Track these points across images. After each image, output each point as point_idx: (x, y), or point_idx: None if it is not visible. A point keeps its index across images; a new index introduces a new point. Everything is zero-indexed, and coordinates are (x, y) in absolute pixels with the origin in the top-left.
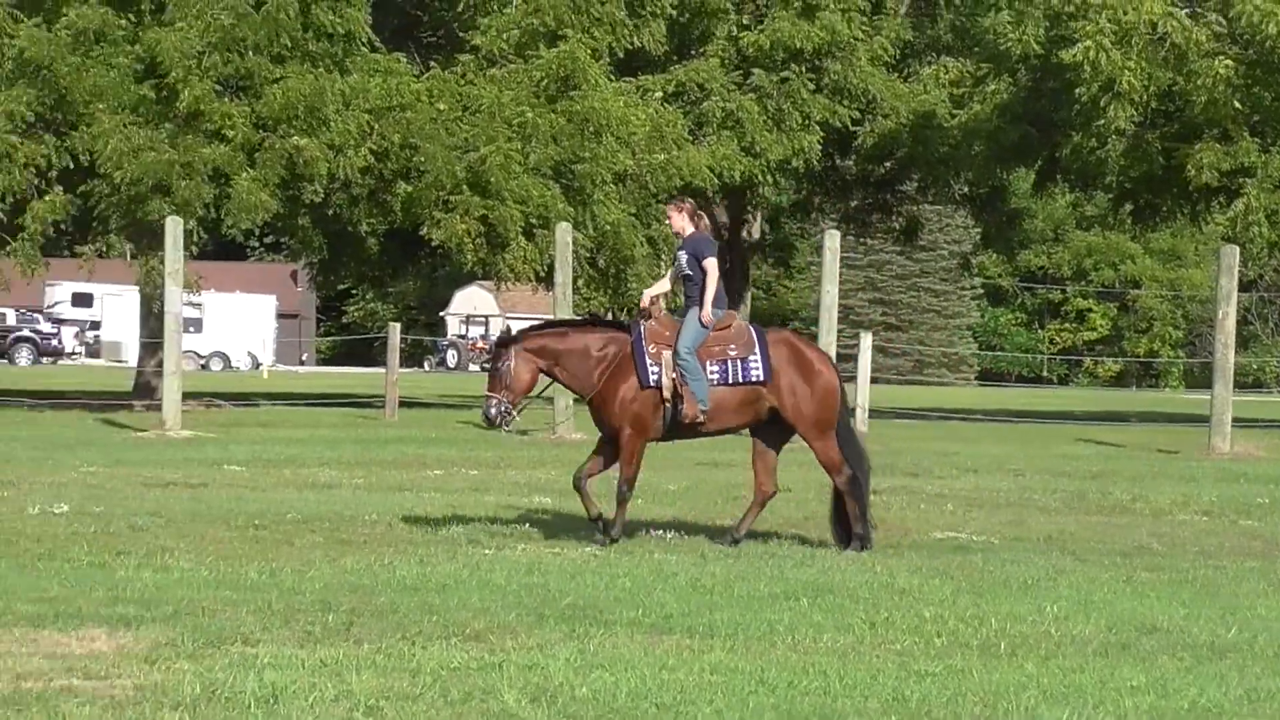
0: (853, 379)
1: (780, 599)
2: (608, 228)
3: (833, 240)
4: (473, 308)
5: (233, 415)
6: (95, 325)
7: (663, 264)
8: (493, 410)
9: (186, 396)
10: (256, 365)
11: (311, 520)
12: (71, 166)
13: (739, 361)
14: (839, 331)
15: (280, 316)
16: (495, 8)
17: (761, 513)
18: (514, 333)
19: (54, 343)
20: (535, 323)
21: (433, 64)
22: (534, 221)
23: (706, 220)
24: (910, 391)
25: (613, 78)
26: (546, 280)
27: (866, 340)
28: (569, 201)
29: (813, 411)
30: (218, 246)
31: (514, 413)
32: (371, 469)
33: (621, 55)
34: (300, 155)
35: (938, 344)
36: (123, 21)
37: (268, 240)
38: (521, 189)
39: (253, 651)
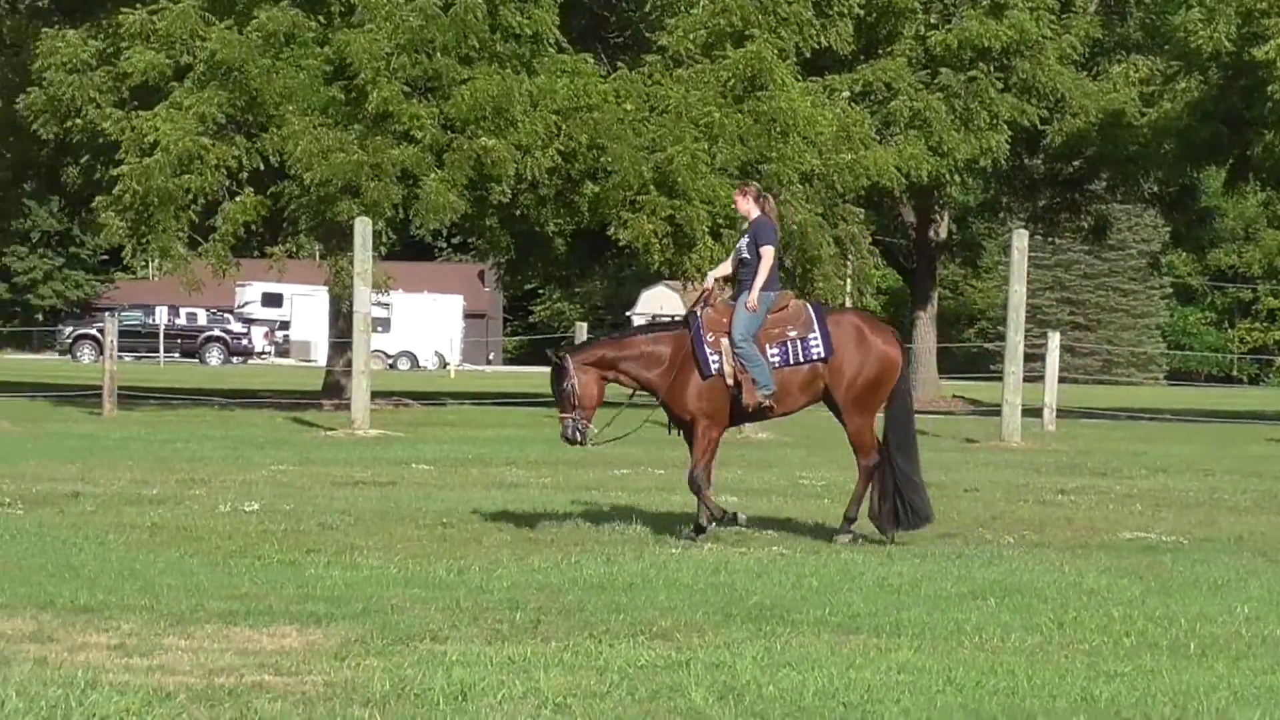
0: (1040, 378)
1: (967, 598)
2: (794, 228)
3: (1020, 240)
4: (659, 308)
5: (420, 414)
6: (285, 325)
7: (849, 263)
8: (569, 431)
9: (375, 396)
10: (443, 365)
11: (499, 519)
12: (262, 168)
13: (799, 341)
14: (1026, 331)
15: (467, 316)
16: (682, 8)
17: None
18: (565, 355)
19: (244, 342)
20: (587, 339)
21: (620, 64)
22: (720, 221)
23: (772, 204)
24: (1098, 391)
25: (799, 77)
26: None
27: (1054, 340)
28: None
29: (860, 389)
30: (406, 247)
31: (590, 427)
32: (558, 468)
33: (808, 55)
34: (488, 156)
35: (1126, 343)
36: (312, 23)
37: (455, 240)
38: (708, 189)
39: (441, 649)
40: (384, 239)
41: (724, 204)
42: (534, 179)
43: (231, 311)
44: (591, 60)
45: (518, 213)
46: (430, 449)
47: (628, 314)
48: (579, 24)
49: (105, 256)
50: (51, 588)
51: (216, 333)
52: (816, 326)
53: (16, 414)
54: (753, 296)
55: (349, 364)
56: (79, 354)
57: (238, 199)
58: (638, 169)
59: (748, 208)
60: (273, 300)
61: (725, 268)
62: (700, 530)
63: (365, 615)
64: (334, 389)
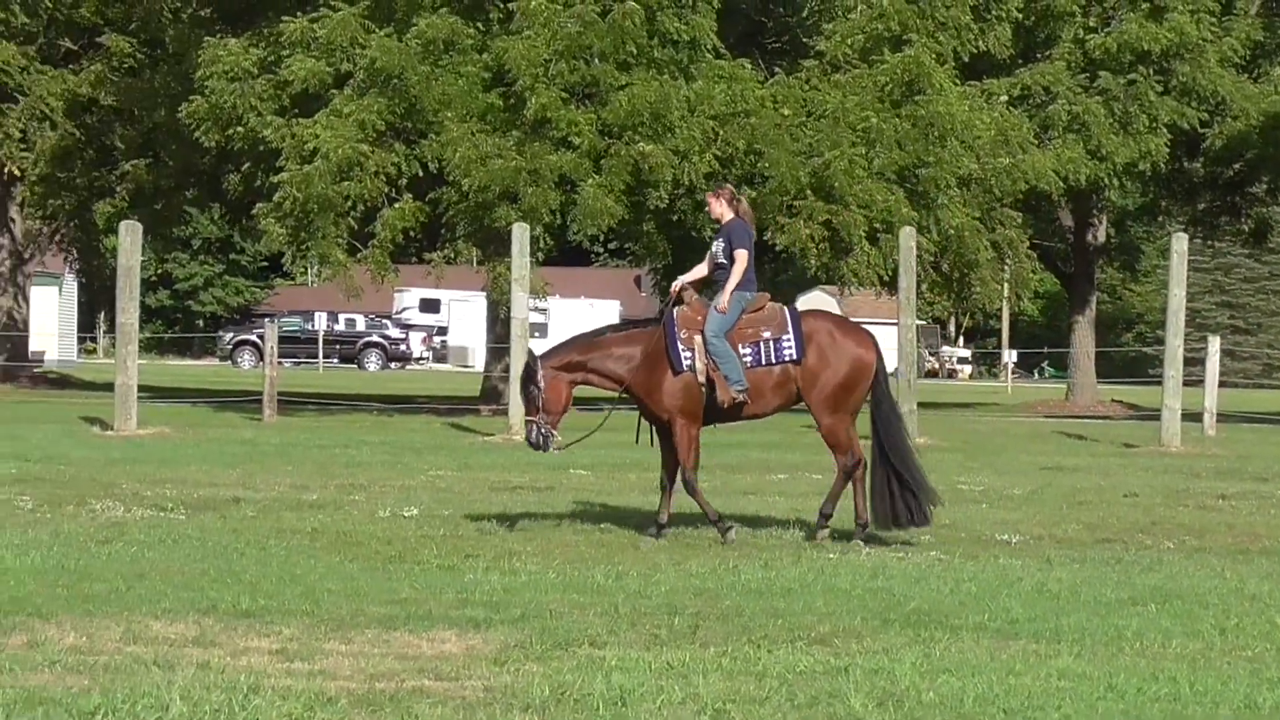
0: (1200, 383)
1: (1127, 604)
2: (952, 232)
3: (1180, 243)
4: None
5: (577, 419)
6: (442, 330)
7: (1007, 268)
8: (533, 435)
9: None
10: None
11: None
12: (421, 174)
13: (772, 342)
14: (1186, 335)
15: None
16: (840, 13)
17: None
18: (537, 358)
19: (402, 348)
20: (556, 344)
21: (777, 70)
22: (878, 226)
23: (746, 206)
24: (1259, 395)
25: (957, 82)
26: (890, 285)
27: (1214, 344)
28: (913, 206)
29: (832, 390)
30: (563, 252)
31: (555, 434)
32: (715, 473)
33: (966, 59)
34: (645, 161)
35: None
36: (471, 30)
37: (612, 246)
38: (865, 194)
39: (600, 654)
40: (541, 244)
41: (881, 209)
42: (691, 184)
43: (390, 317)
44: (749, 66)
45: (675, 218)
46: (587, 454)
47: None
48: (736, 30)
49: (265, 263)
50: (214, 592)
51: (375, 338)
52: (790, 329)
53: (178, 420)
54: (723, 298)
55: (506, 369)
56: (239, 360)
57: (397, 205)
58: (795, 174)
59: (721, 210)
60: (431, 306)
61: (698, 272)
62: (720, 526)
63: (524, 620)
64: (492, 394)
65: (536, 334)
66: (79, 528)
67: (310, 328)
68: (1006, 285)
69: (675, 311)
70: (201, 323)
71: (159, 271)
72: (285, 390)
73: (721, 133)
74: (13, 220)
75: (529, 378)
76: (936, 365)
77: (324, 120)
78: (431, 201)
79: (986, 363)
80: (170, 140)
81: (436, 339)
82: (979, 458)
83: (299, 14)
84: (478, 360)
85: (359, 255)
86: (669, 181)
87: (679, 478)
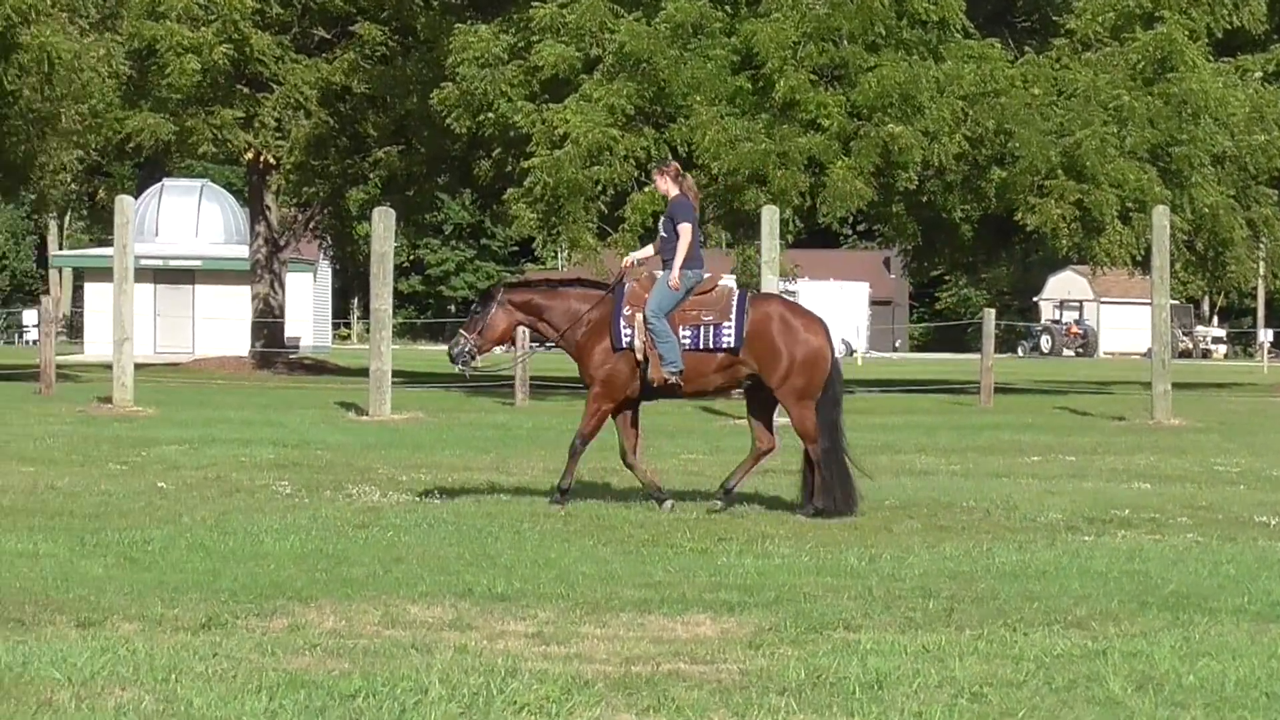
0: None
1: None
2: (1206, 210)
3: None
4: (1066, 293)
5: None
6: None
7: (1262, 246)
8: (457, 348)
9: None
10: (850, 352)
11: (909, 506)
12: (670, 158)
13: (712, 328)
14: None
15: (873, 303)
16: None
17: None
18: (500, 284)
19: None
20: (522, 277)
21: (1027, 49)
22: (1130, 205)
23: (690, 182)
24: None
25: (1210, 58)
26: (1143, 265)
27: None
28: (1166, 185)
29: (791, 378)
30: (812, 234)
31: (477, 357)
32: (967, 455)
33: (1220, 35)
34: (895, 143)
35: None
36: (719, 14)
37: (861, 228)
38: (1117, 173)
39: (855, 637)
40: (791, 227)
41: (1133, 188)
42: (940, 165)
43: None
44: (998, 45)
45: (924, 199)
46: None
47: (1035, 299)
48: (985, 9)
49: (515, 247)
50: (469, 576)
51: None
52: (734, 316)
53: (432, 404)
54: (674, 274)
55: None
56: None
57: (646, 189)
58: (1045, 153)
59: (666, 187)
60: None
61: (646, 252)
62: (562, 494)
63: (778, 603)
64: None
65: None
66: (336, 512)
67: None
68: (1262, 264)
69: (626, 287)
70: (453, 308)
71: (411, 257)
72: (537, 375)
73: (971, 113)
74: (268, 208)
75: (485, 299)
76: (1190, 345)
77: (574, 105)
78: None
79: (1242, 342)
80: (422, 127)
81: None
82: (1236, 439)
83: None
84: None
85: (608, 239)
86: (918, 163)
87: (633, 456)
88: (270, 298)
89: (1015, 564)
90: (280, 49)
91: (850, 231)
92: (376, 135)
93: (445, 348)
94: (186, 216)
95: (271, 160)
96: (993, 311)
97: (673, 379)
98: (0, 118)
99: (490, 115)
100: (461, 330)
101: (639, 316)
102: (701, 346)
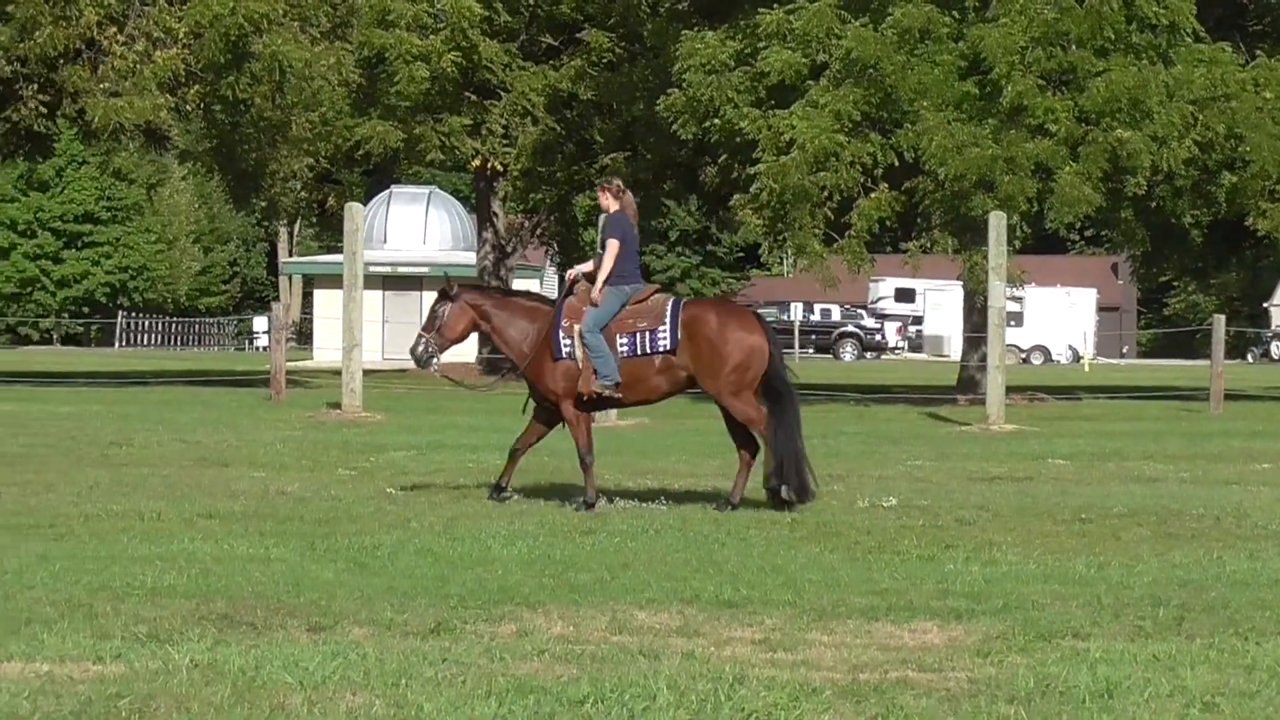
0: None
1: None
2: None
3: None
4: None
5: (1055, 409)
6: (917, 320)
7: None
8: (419, 348)
9: (1009, 390)
10: (1077, 359)
11: (1138, 514)
12: (896, 164)
13: (648, 333)
14: None
15: (1100, 310)
16: None
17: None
18: (459, 288)
19: (877, 338)
20: (488, 284)
21: (1259, 52)
22: None
23: (630, 199)
24: None
25: None
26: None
27: None
28: None
29: (724, 375)
30: (1039, 240)
31: (438, 356)
32: (1197, 462)
33: None
34: (1123, 148)
35: None
36: (947, 19)
37: (1088, 233)
38: None
39: (1084, 645)
40: (1018, 233)
41: None
42: (1170, 170)
43: (865, 307)
44: (1229, 49)
45: (1153, 204)
46: (1066, 444)
47: (1265, 305)
48: (1216, 13)
49: (741, 254)
50: (696, 583)
51: (850, 328)
52: (668, 320)
53: (658, 411)
54: (595, 289)
55: (983, 359)
56: None
57: (873, 195)
58: (1277, 158)
59: (607, 203)
60: (906, 295)
61: (588, 266)
62: (589, 506)
63: (1006, 611)
64: (968, 384)
65: (1013, 323)
66: (563, 518)
67: (786, 318)
68: None
69: (565, 302)
70: None
71: None
72: None
73: (1201, 117)
74: (495, 215)
75: (442, 297)
76: None
77: (800, 111)
78: (907, 191)
79: None
80: (648, 133)
81: (911, 328)
82: None
83: (775, 5)
84: (953, 350)
85: (835, 245)
86: (1147, 168)
87: (523, 450)
88: None
89: (1247, 572)
90: (508, 56)
91: (1078, 237)
92: (603, 142)
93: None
94: (414, 223)
95: (499, 167)
96: (1223, 317)
97: (607, 391)
98: (232, 126)
99: (716, 121)
100: (420, 331)
101: (577, 329)
102: (639, 352)
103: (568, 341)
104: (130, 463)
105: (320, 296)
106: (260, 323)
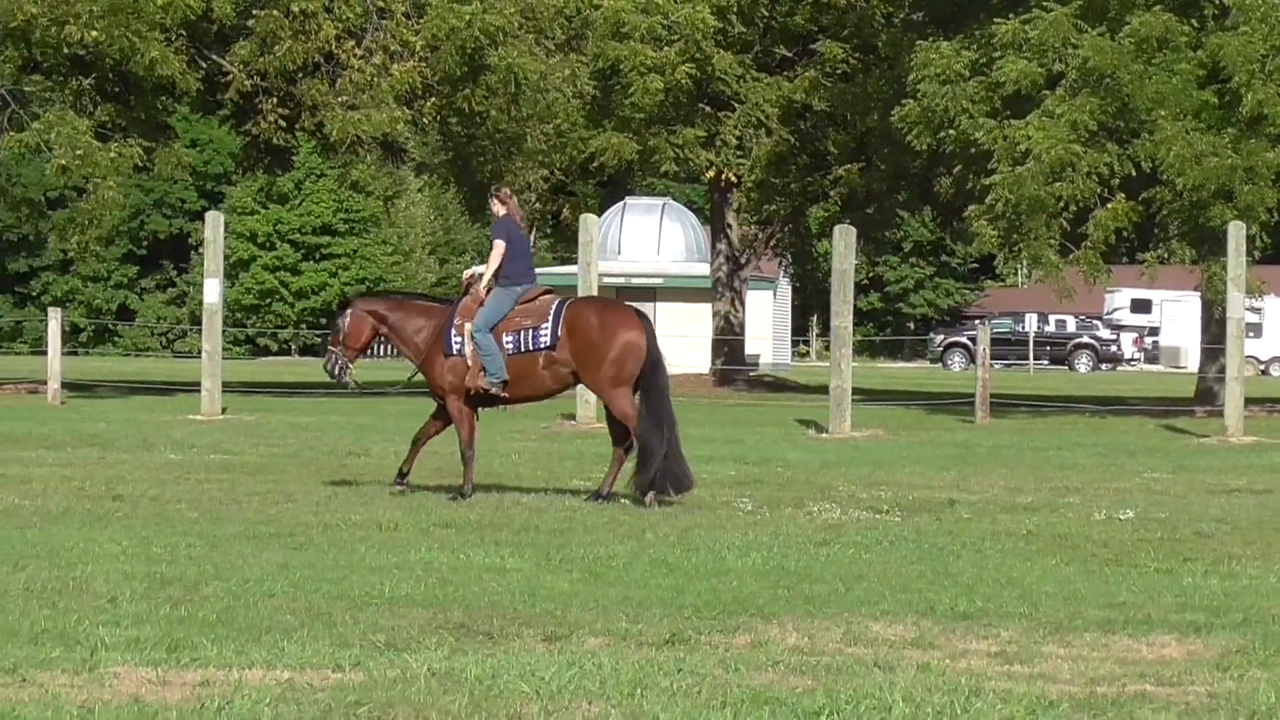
0: None
1: None
2: None
3: None
4: None
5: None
6: (1154, 331)
7: None
8: (329, 364)
9: (1248, 402)
10: (1262, 371)
11: None
12: (1133, 174)
13: (531, 330)
14: None
15: None
16: None
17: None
18: (352, 298)
19: (1112, 349)
20: (384, 289)
21: None
22: None
23: (515, 204)
24: None
25: None
26: None
27: None
28: None
29: (603, 369)
30: (1278, 250)
31: (350, 367)
32: None
33: None
34: None
35: None
36: (1185, 28)
37: None
38: None
39: None
40: (1257, 243)
41: None
42: None
43: (1100, 318)
44: None
45: None
46: None
47: None
48: None
49: (975, 264)
50: (931, 594)
51: (1085, 339)
52: (550, 318)
53: (891, 422)
54: (479, 287)
55: (1221, 370)
56: (950, 362)
57: (1109, 205)
58: None
59: (496, 208)
60: (1142, 306)
61: (481, 266)
62: (401, 476)
63: (1245, 625)
64: (1206, 396)
65: (1251, 334)
66: (797, 529)
67: (1020, 329)
68: None
69: (461, 301)
70: (912, 325)
71: (870, 275)
72: (997, 392)
73: None
74: (729, 226)
75: (340, 309)
76: None
77: (1036, 121)
78: (1144, 201)
79: None
80: (882, 144)
81: (1148, 340)
82: None
83: (1011, 15)
84: (1190, 361)
85: (1070, 256)
86: None
87: (424, 440)
88: (731, 315)
89: None
90: (742, 68)
91: None
92: (837, 153)
93: (908, 364)
94: (648, 234)
95: (733, 178)
96: None
97: (493, 389)
98: (468, 138)
99: (951, 132)
100: (329, 346)
101: (468, 327)
102: (523, 349)
103: (458, 339)
104: (366, 473)
105: None
106: None
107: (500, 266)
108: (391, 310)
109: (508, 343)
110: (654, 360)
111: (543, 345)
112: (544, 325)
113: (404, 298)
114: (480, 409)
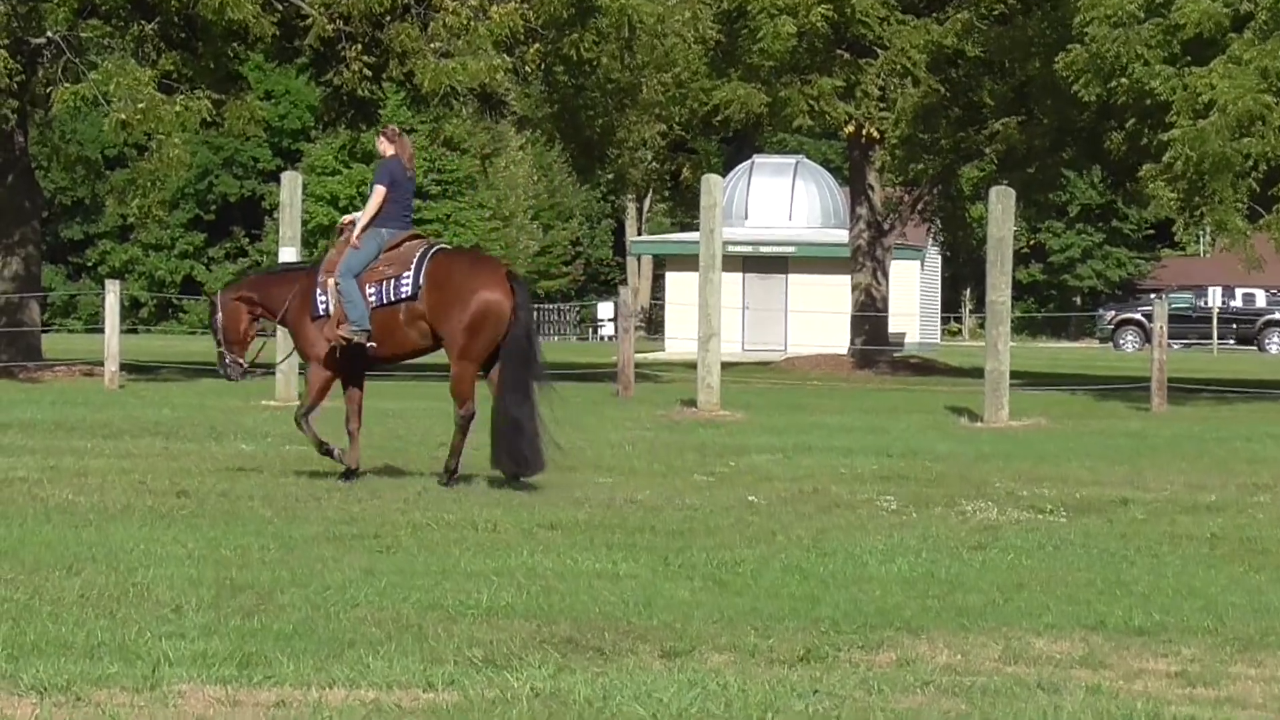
0: None
1: None
2: None
3: None
4: None
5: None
6: None
7: None
8: (221, 367)
9: None
10: None
11: None
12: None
13: (393, 280)
14: None
15: None
16: None
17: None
18: (218, 292)
19: None
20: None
21: None
22: None
23: (406, 143)
24: None
25: None
26: None
27: None
28: None
29: (456, 333)
30: None
31: (241, 363)
32: None
33: None
34: None
35: None
36: None
37: None
38: None
39: None
40: None
41: None
42: None
43: None
44: None
45: None
46: None
47: None
48: None
49: (1151, 231)
50: (1101, 606)
51: (1277, 316)
52: (413, 266)
53: (1055, 409)
54: (355, 232)
55: None
56: (1122, 341)
57: None
58: None
59: (384, 147)
60: None
61: (360, 213)
62: (347, 470)
63: None
64: None
65: None
66: (949, 531)
67: (1202, 305)
68: None
69: (326, 256)
70: (1078, 299)
71: (1030, 243)
72: (1175, 376)
73: None
74: (870, 188)
75: (211, 311)
76: None
77: (1220, 68)
78: None
79: None
80: (1044, 95)
81: None
82: None
83: None
84: None
85: (1260, 221)
86: None
87: (299, 414)
88: (872, 288)
89: None
90: (885, 9)
91: None
92: (993, 105)
93: (1074, 344)
94: (779, 197)
95: (875, 134)
96: None
97: (357, 338)
98: (576, 89)
99: (1123, 81)
100: (218, 350)
101: (331, 281)
102: (386, 300)
103: (323, 297)
104: (462, 466)
105: (673, 280)
106: (605, 309)
107: (379, 211)
108: (257, 288)
109: (371, 294)
110: (523, 331)
111: (404, 296)
112: (406, 274)
113: (266, 272)
114: (354, 377)
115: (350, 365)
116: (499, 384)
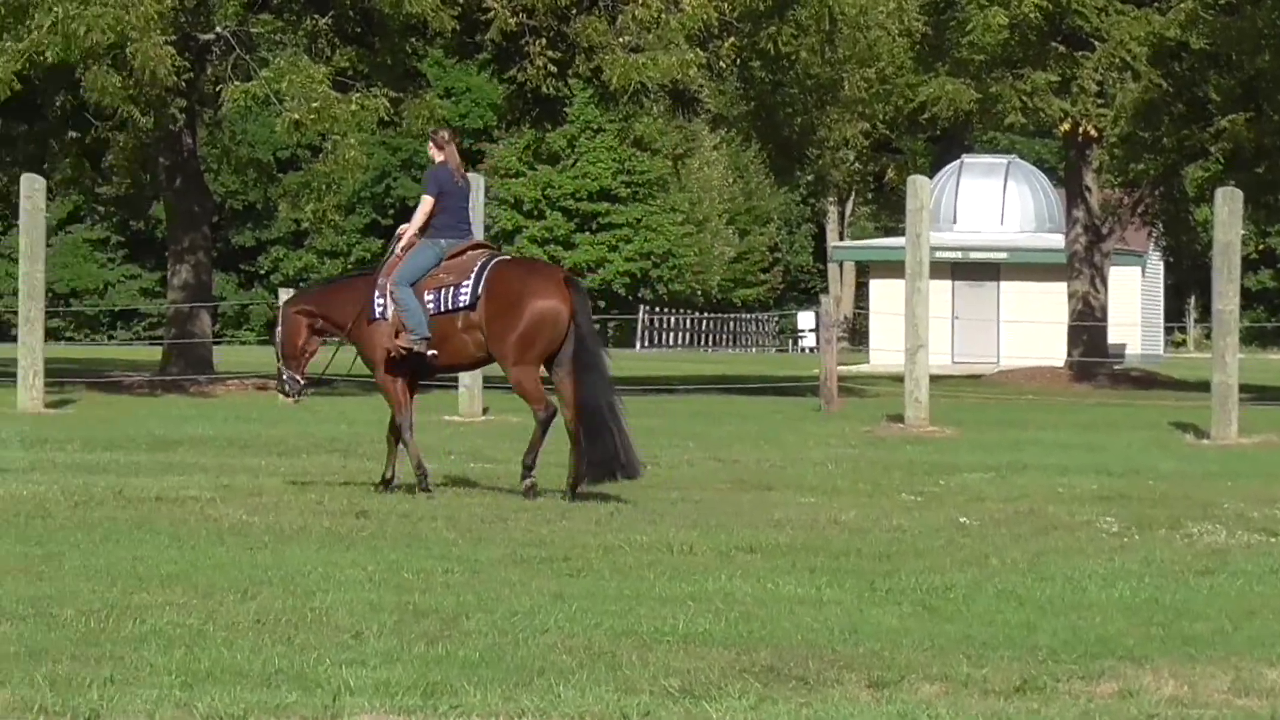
0: None
1: None
2: None
3: None
4: None
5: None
6: None
7: None
8: (282, 386)
9: None
10: None
11: None
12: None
13: (452, 289)
14: None
15: None
16: None
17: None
18: (282, 305)
19: None
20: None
21: None
22: None
23: (454, 151)
24: None
25: None
26: None
27: None
28: None
29: (509, 339)
30: None
31: (299, 380)
32: None
33: None
34: None
35: None
36: None
37: None
38: None
39: None
40: None
41: None
42: None
43: None
44: None
45: None
46: None
47: None
48: None
49: None
50: None
51: None
52: (473, 275)
53: None
54: (403, 241)
55: None
56: None
57: None
58: None
59: (434, 153)
60: None
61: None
62: (386, 484)
63: None
64: None
65: None
66: (1173, 555)
67: None
68: None
69: (387, 262)
70: None
71: (1260, 247)
72: None
73: None
74: (1088, 189)
75: (271, 325)
76: None
77: None
78: None
79: None
80: (1275, 90)
81: None
82: None
83: None
84: None
85: None
86: None
87: (391, 422)
88: (1090, 296)
89: None
90: None
91: None
92: (1219, 100)
93: None
94: (990, 200)
95: (1093, 132)
96: None
97: (417, 347)
98: (773, 85)
99: None
100: (278, 366)
101: (389, 287)
102: (444, 308)
103: (381, 302)
104: (657, 485)
105: (877, 287)
106: (806, 319)
107: (427, 222)
108: (318, 300)
109: (429, 301)
110: (581, 335)
111: (462, 305)
112: (465, 282)
113: (328, 283)
114: (415, 384)
115: (411, 374)
116: (574, 395)
